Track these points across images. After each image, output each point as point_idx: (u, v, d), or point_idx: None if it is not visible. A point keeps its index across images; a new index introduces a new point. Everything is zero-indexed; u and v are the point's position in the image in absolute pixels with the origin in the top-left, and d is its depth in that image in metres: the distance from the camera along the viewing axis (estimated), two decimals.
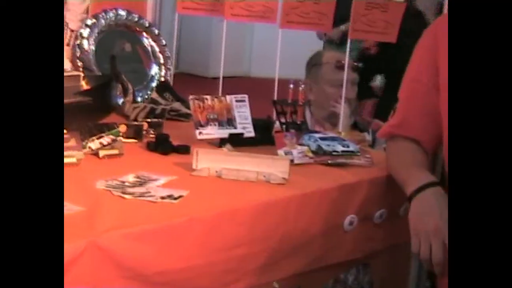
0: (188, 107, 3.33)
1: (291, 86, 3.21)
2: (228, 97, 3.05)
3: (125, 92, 3.34)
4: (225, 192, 2.43)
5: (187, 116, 3.30)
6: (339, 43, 5.44)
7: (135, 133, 2.96)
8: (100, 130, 2.78)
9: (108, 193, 2.32)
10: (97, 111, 3.08)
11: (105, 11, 3.57)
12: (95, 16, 3.55)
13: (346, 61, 3.47)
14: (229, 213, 2.30)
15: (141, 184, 2.42)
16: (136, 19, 3.66)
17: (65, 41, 3.35)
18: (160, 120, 3.14)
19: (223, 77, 3.56)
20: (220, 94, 3.29)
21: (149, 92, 3.60)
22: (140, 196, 2.29)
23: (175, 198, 2.29)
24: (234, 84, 3.72)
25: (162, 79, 3.70)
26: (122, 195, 2.29)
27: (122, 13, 3.61)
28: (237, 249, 2.30)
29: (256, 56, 11.93)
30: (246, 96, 3.10)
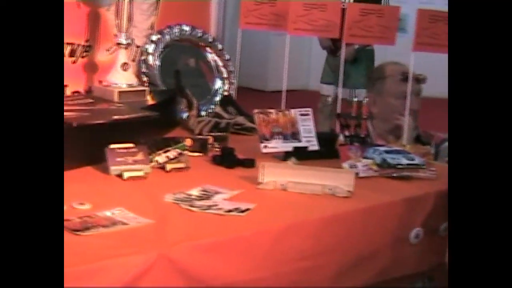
0: (251, 121, 3.38)
1: (356, 99, 3.23)
2: (292, 110, 3.09)
3: (189, 107, 3.39)
4: (291, 205, 2.46)
5: (251, 130, 3.34)
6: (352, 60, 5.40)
7: (201, 146, 3.02)
8: (166, 144, 2.83)
9: (176, 206, 2.37)
10: (162, 126, 3.14)
11: (170, 27, 3.63)
12: (160, 32, 3.62)
13: (410, 73, 3.48)
14: (295, 226, 2.33)
15: (208, 197, 2.47)
16: (200, 34, 3.72)
17: (131, 56, 3.41)
18: (225, 134, 3.19)
19: (282, 91, 3.59)
20: (283, 108, 3.33)
21: (212, 106, 3.65)
22: (207, 209, 2.34)
23: (242, 211, 2.34)
24: (293, 97, 3.74)
25: (226, 93, 3.74)
26: (190, 208, 2.35)
27: (186, 28, 3.67)
28: (303, 262, 2.33)
29: (314, 69, 11.95)
30: (310, 109, 3.13)
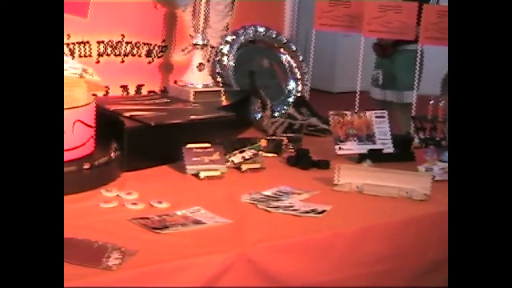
0: (324, 122, 3.38)
1: (431, 102, 3.20)
2: (367, 112, 3.08)
3: (263, 107, 3.40)
4: (367, 208, 2.45)
5: (324, 131, 3.34)
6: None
7: (275, 147, 3.02)
8: (242, 145, 2.85)
9: (253, 206, 2.39)
10: (236, 126, 3.16)
11: (245, 28, 3.65)
12: (235, 33, 3.64)
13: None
14: (372, 228, 2.33)
15: (284, 198, 2.48)
16: (274, 35, 3.73)
17: (206, 57, 3.44)
18: (299, 135, 3.19)
19: (348, 92, 3.59)
20: (356, 110, 3.32)
21: (286, 107, 3.65)
22: (284, 210, 2.35)
23: (319, 213, 2.34)
24: (359, 99, 3.75)
25: (299, 94, 3.75)
26: (267, 208, 2.36)
27: (261, 29, 3.68)
28: (379, 264, 2.32)
29: None
30: (385, 112, 3.12)
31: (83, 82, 2.55)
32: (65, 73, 2.46)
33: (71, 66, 2.51)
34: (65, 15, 2.31)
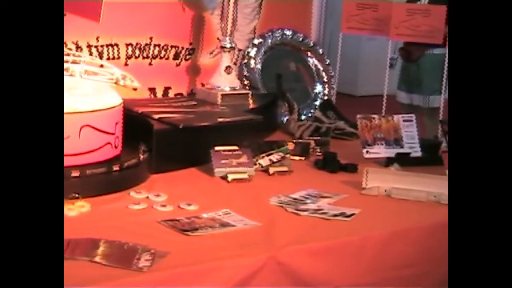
0: (351, 126, 3.37)
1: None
2: (395, 116, 3.07)
3: (290, 110, 3.40)
4: (396, 212, 2.44)
5: (351, 135, 3.34)
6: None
7: (302, 150, 3.02)
8: (269, 147, 2.84)
9: (282, 209, 2.38)
10: (263, 129, 3.16)
11: (272, 31, 3.65)
12: (262, 36, 3.64)
13: None
14: (401, 232, 2.31)
15: (312, 201, 2.47)
16: (301, 38, 3.73)
17: (233, 60, 3.44)
18: (326, 138, 3.18)
19: (371, 96, 3.58)
20: (383, 113, 3.30)
21: (312, 111, 3.65)
22: (313, 213, 2.35)
23: (347, 216, 2.33)
24: (379, 103, 3.74)
25: (325, 97, 3.74)
26: (296, 211, 2.35)
27: (288, 32, 3.68)
28: (408, 269, 2.31)
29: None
30: (413, 115, 3.11)
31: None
32: (100, 78, 2.47)
33: (108, 71, 2.50)
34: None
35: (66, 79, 2.56)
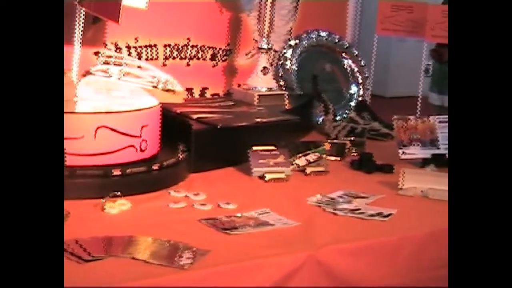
0: (385, 127, 3.37)
1: None
2: (431, 117, 3.06)
3: (326, 111, 3.40)
4: (432, 212, 2.43)
5: (386, 136, 3.34)
6: None
7: (338, 151, 3.02)
8: (306, 148, 2.85)
9: (320, 209, 2.39)
10: (299, 129, 3.16)
11: (307, 32, 3.66)
12: (298, 37, 3.64)
13: None
14: (438, 233, 2.30)
15: (349, 201, 2.48)
16: (337, 40, 3.73)
17: (269, 61, 3.44)
18: (362, 139, 3.18)
19: (401, 97, 3.57)
20: (418, 115, 3.30)
21: (347, 111, 3.65)
22: (350, 213, 2.35)
23: (385, 216, 2.34)
24: (413, 104, 3.72)
25: (360, 98, 3.73)
26: (334, 211, 2.36)
27: (323, 34, 3.68)
28: (444, 270, 2.28)
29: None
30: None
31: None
32: (141, 82, 2.48)
33: (151, 75, 2.52)
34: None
35: (106, 80, 2.59)
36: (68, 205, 2.17)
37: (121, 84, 2.58)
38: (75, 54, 2.59)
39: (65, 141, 2.27)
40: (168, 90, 2.53)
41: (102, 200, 2.25)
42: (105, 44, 3.11)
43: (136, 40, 3.20)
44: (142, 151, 2.48)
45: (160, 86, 2.53)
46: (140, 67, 2.67)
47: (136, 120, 2.47)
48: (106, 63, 2.55)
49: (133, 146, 2.44)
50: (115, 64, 2.54)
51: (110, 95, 2.60)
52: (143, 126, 2.46)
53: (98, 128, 2.36)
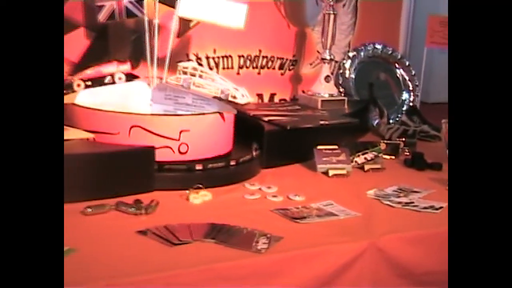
0: (434, 129, 3.33)
1: None
2: None
3: (380, 115, 3.38)
4: None
5: (434, 137, 3.30)
6: None
7: (392, 150, 2.99)
8: (364, 147, 2.83)
9: (378, 202, 2.37)
10: (357, 131, 3.14)
11: (364, 45, 3.63)
12: (356, 49, 3.62)
13: None
14: None
15: (404, 195, 2.45)
16: (390, 52, 3.69)
17: (330, 70, 3.42)
18: (413, 140, 3.15)
19: (442, 103, 3.50)
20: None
21: (399, 115, 3.60)
22: (406, 206, 2.32)
23: (437, 209, 2.30)
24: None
25: (411, 104, 3.69)
26: (391, 204, 2.33)
27: (379, 46, 3.65)
28: None
29: None
30: None
31: None
32: (205, 92, 2.47)
33: (216, 86, 2.50)
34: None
35: (176, 88, 2.57)
36: (158, 195, 2.20)
37: (188, 92, 2.56)
38: (153, 65, 2.61)
39: (102, 135, 2.33)
40: (229, 101, 2.51)
41: (187, 192, 2.26)
42: (187, 55, 3.13)
43: (214, 51, 3.21)
44: (181, 153, 2.39)
45: (223, 96, 2.50)
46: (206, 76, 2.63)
47: (174, 124, 2.38)
48: (184, 73, 2.55)
49: (168, 147, 2.36)
50: (190, 74, 2.54)
51: (176, 101, 2.60)
52: (182, 131, 2.37)
53: (132, 127, 2.34)
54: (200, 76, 2.53)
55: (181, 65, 2.57)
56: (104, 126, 2.34)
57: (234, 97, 2.47)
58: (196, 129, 2.41)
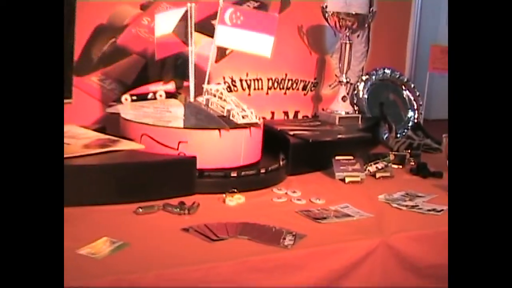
0: (435, 142, 3.31)
1: None
2: None
3: (389, 130, 3.36)
4: None
5: (436, 149, 3.27)
6: None
7: (400, 160, 2.97)
8: (376, 158, 2.81)
9: (388, 205, 2.35)
10: (369, 144, 3.12)
11: (376, 70, 3.61)
12: (368, 73, 3.60)
13: None
14: None
15: (410, 199, 2.43)
16: (398, 75, 3.67)
17: (347, 91, 3.40)
18: (418, 151, 3.12)
19: (442, 120, 3.45)
20: None
21: (405, 130, 3.58)
22: (412, 208, 2.31)
23: (438, 211, 2.28)
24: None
25: (416, 120, 3.66)
26: (399, 206, 2.32)
27: (388, 71, 3.63)
28: None
29: None
30: None
31: None
32: (218, 112, 2.44)
33: (228, 108, 2.46)
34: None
35: (195, 106, 2.55)
36: (198, 198, 2.21)
37: (203, 110, 2.51)
38: (190, 86, 2.59)
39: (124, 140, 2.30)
40: (229, 119, 2.45)
41: (223, 195, 2.26)
42: (224, 78, 3.14)
43: (247, 74, 3.21)
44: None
45: (230, 117, 2.46)
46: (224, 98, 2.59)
47: (173, 136, 2.34)
48: (210, 94, 2.54)
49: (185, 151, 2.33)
50: (214, 96, 2.53)
51: (196, 117, 2.57)
52: (180, 142, 2.33)
53: (142, 135, 2.36)
54: (220, 98, 2.52)
55: (207, 87, 2.56)
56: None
57: (244, 117, 2.43)
58: (229, 142, 2.40)
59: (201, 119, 2.46)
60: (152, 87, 2.72)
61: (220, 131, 2.34)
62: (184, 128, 2.39)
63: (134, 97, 2.68)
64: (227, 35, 2.56)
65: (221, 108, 2.47)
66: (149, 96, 2.71)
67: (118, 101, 2.67)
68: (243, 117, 2.42)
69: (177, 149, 2.33)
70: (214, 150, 2.35)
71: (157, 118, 2.48)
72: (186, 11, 2.50)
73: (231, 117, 2.42)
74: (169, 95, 2.76)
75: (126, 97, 2.67)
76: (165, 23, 2.51)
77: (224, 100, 2.50)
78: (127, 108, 2.61)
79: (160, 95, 2.73)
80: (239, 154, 2.41)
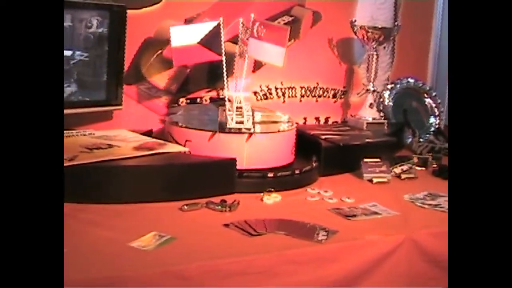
0: None
1: None
2: None
3: (413, 135, 3.33)
4: None
5: None
6: None
7: (423, 163, 2.95)
8: (400, 160, 2.80)
9: (413, 204, 2.34)
10: (395, 147, 3.11)
11: (400, 79, 3.59)
12: (393, 82, 3.58)
13: None
14: None
15: (433, 198, 2.41)
16: (420, 84, 3.63)
17: (373, 98, 3.38)
18: (439, 155, 3.10)
19: None
20: None
21: (428, 135, 3.54)
22: (434, 207, 2.29)
23: None
24: None
25: (437, 126, 3.63)
26: (422, 205, 2.31)
27: (411, 80, 3.60)
28: None
29: None
30: None
31: None
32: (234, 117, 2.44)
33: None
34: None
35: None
36: (238, 196, 2.22)
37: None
38: (225, 92, 2.58)
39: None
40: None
41: (261, 194, 2.28)
42: (260, 86, 3.15)
43: (282, 83, 3.22)
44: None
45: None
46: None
47: (182, 134, 2.42)
48: (230, 101, 2.53)
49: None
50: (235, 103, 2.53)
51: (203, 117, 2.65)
52: (186, 140, 2.40)
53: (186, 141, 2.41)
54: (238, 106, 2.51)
55: (231, 94, 2.56)
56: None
57: (238, 122, 2.43)
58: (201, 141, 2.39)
59: (203, 120, 2.58)
60: (202, 93, 2.90)
61: (213, 134, 2.36)
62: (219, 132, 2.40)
63: (187, 101, 2.88)
64: (254, 46, 2.55)
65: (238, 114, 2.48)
66: (198, 100, 2.90)
67: (176, 102, 2.85)
68: (236, 123, 2.41)
69: (184, 145, 2.38)
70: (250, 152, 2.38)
71: (200, 120, 2.59)
72: (218, 24, 2.50)
73: (226, 121, 2.42)
74: (212, 100, 2.92)
75: (182, 100, 2.86)
76: (186, 34, 2.50)
77: (240, 107, 2.50)
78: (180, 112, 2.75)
79: (205, 100, 2.91)
80: (273, 156, 2.44)
